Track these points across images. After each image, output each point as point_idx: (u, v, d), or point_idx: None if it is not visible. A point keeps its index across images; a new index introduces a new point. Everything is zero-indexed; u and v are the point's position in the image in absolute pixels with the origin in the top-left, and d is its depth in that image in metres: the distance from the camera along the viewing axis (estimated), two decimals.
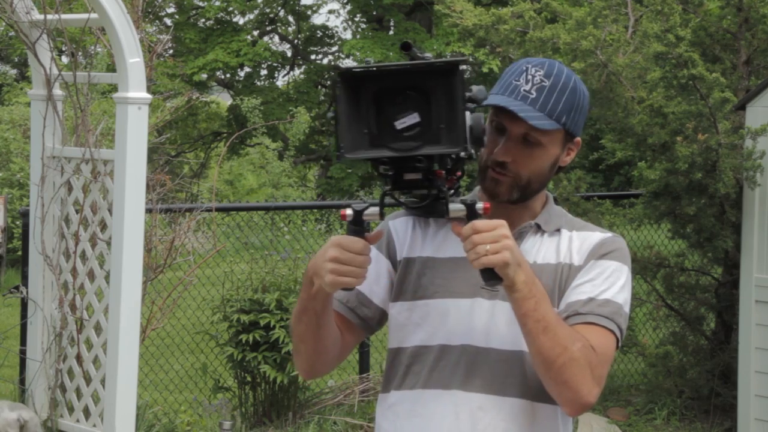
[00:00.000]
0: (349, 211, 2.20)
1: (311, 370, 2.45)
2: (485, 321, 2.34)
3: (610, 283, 2.35)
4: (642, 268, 7.52)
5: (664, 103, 7.16)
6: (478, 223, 2.16)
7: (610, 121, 7.59)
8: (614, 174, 18.95)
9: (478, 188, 2.46)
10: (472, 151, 2.17)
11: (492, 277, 2.17)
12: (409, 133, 2.12)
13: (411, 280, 2.42)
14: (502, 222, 2.17)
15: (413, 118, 2.12)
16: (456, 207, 2.20)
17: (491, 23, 7.94)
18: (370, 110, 2.13)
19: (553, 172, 2.41)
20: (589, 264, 2.36)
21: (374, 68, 2.13)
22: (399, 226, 2.46)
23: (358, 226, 2.20)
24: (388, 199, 2.26)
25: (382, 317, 2.46)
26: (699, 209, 7.13)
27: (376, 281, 2.43)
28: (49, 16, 5.56)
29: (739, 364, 6.85)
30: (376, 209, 2.20)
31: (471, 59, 20.18)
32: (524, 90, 2.32)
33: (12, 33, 12.94)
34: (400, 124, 2.13)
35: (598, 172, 18.85)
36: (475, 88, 2.21)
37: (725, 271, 7.66)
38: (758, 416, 6.72)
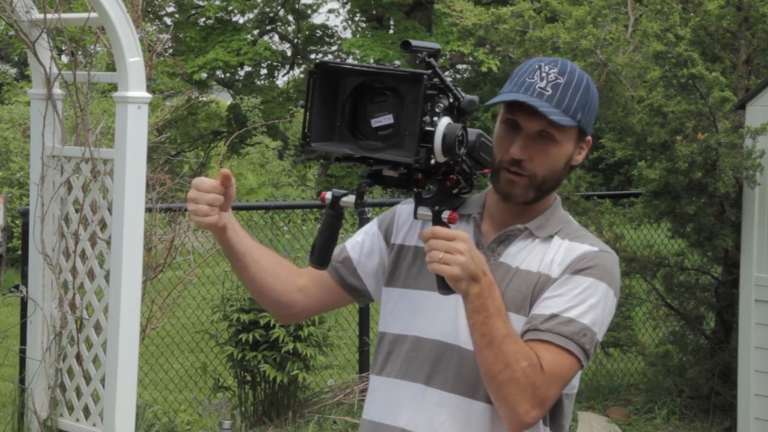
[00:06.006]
0: (328, 195, 2.27)
1: (279, 313, 2.54)
2: (460, 318, 2.32)
3: (579, 300, 2.28)
4: (642, 267, 7.52)
5: (663, 103, 7.15)
6: (438, 230, 2.18)
7: (609, 120, 7.58)
8: (614, 173, 18.94)
9: (489, 188, 2.45)
10: (446, 160, 2.18)
11: (444, 285, 2.20)
12: (383, 133, 2.17)
13: (403, 267, 2.45)
14: (463, 235, 2.17)
15: (388, 119, 2.17)
16: (424, 211, 2.24)
17: (491, 22, 7.94)
18: (347, 104, 2.17)
19: (566, 171, 2.39)
20: (563, 278, 2.31)
21: (354, 67, 2.18)
22: (404, 211, 2.51)
23: (333, 210, 2.28)
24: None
25: (363, 289, 2.51)
26: (699, 208, 7.13)
27: (368, 255, 2.50)
28: (49, 16, 5.56)
29: (738, 363, 6.85)
30: (353, 197, 2.26)
31: (467, 60, 20.17)
32: (539, 87, 2.31)
33: (12, 32, 12.92)
34: (376, 122, 2.17)
35: (597, 172, 18.83)
36: (467, 98, 2.21)
37: (725, 270, 7.65)
38: (758, 415, 6.72)
